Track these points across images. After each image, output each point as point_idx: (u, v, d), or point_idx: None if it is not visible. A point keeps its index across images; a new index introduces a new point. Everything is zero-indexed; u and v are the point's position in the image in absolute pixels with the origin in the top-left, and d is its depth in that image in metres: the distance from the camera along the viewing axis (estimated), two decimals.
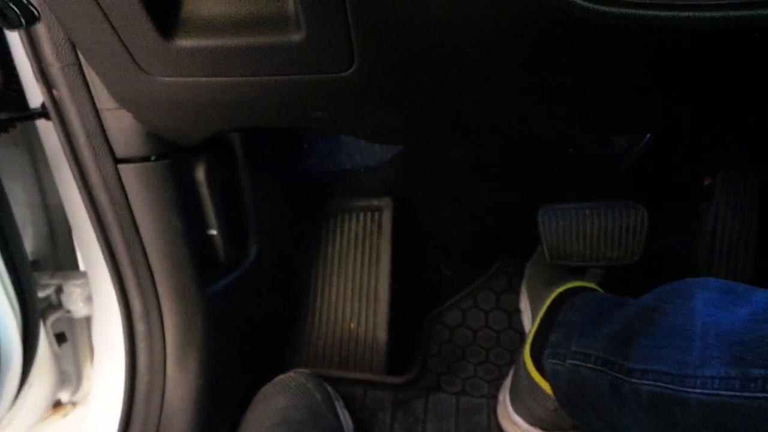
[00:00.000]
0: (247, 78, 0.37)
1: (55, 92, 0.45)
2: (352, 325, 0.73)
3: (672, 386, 0.41)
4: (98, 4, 0.35)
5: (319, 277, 0.75)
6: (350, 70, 0.36)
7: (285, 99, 0.39)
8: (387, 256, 0.74)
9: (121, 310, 0.54)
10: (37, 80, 0.44)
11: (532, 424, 0.61)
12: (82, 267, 0.65)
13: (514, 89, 0.36)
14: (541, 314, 0.63)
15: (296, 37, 0.34)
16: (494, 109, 0.40)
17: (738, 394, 0.34)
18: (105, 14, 0.36)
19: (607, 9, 0.26)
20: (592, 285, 0.64)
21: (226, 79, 0.38)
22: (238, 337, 0.62)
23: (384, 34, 0.33)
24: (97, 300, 0.59)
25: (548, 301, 0.64)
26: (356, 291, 0.74)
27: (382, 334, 0.72)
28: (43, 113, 0.48)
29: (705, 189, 0.70)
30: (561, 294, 0.63)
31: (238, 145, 0.56)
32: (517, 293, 0.78)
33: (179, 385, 0.56)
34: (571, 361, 0.53)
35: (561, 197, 0.72)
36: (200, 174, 0.52)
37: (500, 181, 0.79)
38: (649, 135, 0.72)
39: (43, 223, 0.64)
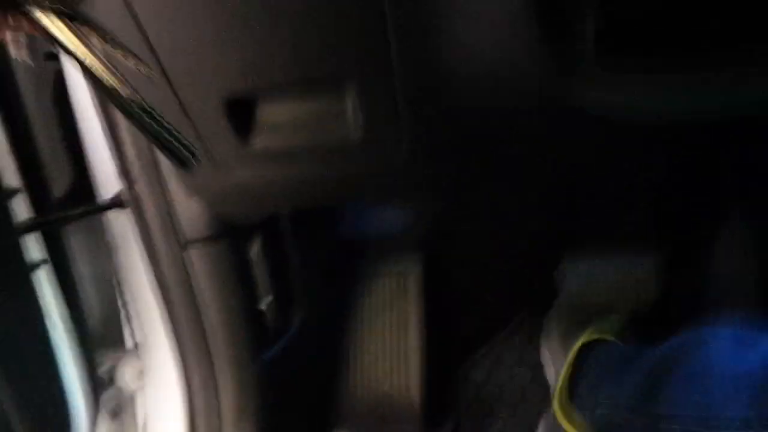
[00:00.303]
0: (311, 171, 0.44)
1: (134, 186, 0.51)
2: (386, 388, 0.76)
3: (698, 429, 0.46)
4: (184, 110, 0.41)
5: (352, 340, 0.79)
6: (401, 162, 0.42)
7: (342, 186, 0.45)
8: (415, 318, 0.79)
9: (181, 384, 0.58)
10: (120, 177, 0.50)
11: None
12: (129, 344, 0.68)
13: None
14: (566, 367, 0.68)
15: (354, 138, 0.41)
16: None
17: None
18: (190, 118, 0.42)
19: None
20: (609, 335, 0.69)
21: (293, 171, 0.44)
22: (287, 401, 0.65)
23: (433, 130, 0.39)
24: (152, 375, 0.62)
25: (572, 354, 0.68)
26: (387, 353, 0.78)
27: (415, 395, 0.75)
28: (117, 204, 0.53)
29: (714, 230, 0.76)
30: (583, 346, 0.68)
31: (287, 219, 0.62)
32: (537, 347, 0.82)
33: None
34: (600, 411, 0.57)
35: (579, 243, 0.77)
36: (255, 248, 0.57)
37: (518, 234, 0.84)
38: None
39: (95, 300, 0.67)
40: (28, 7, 0.21)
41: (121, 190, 0.52)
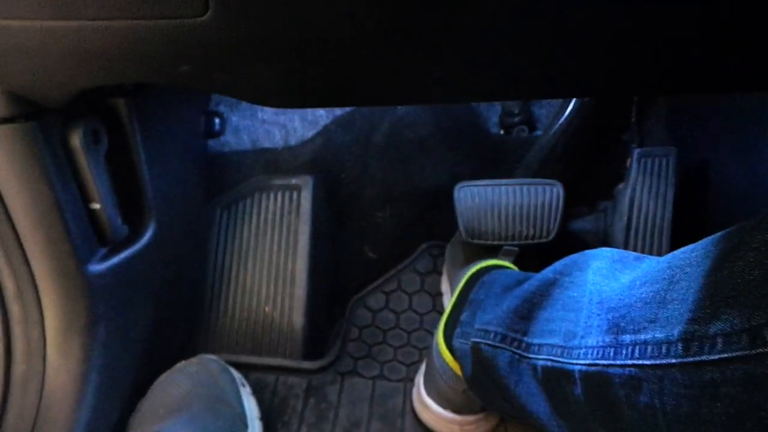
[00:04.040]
0: (93, 22, 0.33)
1: None
2: (267, 308, 0.70)
3: (561, 359, 0.40)
4: None
5: (234, 259, 0.71)
6: (206, 15, 0.32)
7: (141, 48, 0.35)
8: (305, 238, 0.71)
9: None
10: None
11: (444, 407, 0.59)
12: None
13: (393, 40, 0.33)
14: (455, 294, 0.62)
15: None
16: (379, 66, 0.37)
17: (611, 362, 0.33)
18: None
19: None
20: (505, 263, 0.63)
21: (70, 22, 0.34)
22: (135, 319, 0.58)
23: None
24: None
25: (463, 281, 0.62)
26: (272, 273, 0.71)
27: (298, 319, 0.69)
28: None
29: (621, 169, 0.70)
30: (474, 273, 0.61)
31: (125, 111, 0.52)
32: (440, 275, 0.76)
33: (61, 372, 0.52)
34: (473, 340, 0.51)
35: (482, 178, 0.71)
36: (76, 140, 0.47)
37: (423, 163, 0.77)
38: (565, 116, 0.72)
39: None
40: None
41: None
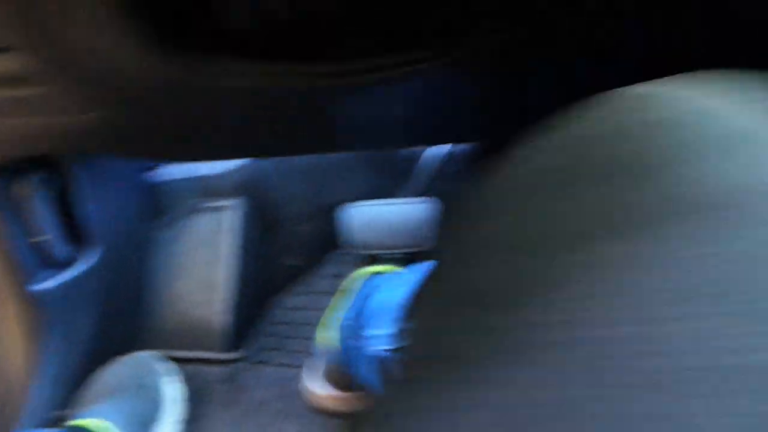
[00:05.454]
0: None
1: None
2: (196, 312, 0.84)
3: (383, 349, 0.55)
4: None
5: (170, 272, 0.86)
6: (91, 114, 0.47)
7: (43, 136, 0.50)
8: (232, 251, 0.86)
9: None
10: None
11: (330, 385, 0.74)
12: None
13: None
14: (339, 295, 0.77)
15: (34, 91, 0.45)
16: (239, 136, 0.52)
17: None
18: None
19: None
20: (385, 268, 0.78)
21: None
22: (81, 328, 0.72)
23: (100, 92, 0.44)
24: None
25: (348, 283, 0.77)
26: (202, 283, 0.85)
27: (222, 318, 0.84)
28: None
29: None
30: (357, 277, 0.76)
31: (67, 161, 0.66)
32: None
33: (20, 371, 0.67)
34: (332, 334, 0.66)
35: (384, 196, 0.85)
36: (24, 189, 0.62)
37: (339, 182, 0.91)
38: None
39: None
40: None
41: None
